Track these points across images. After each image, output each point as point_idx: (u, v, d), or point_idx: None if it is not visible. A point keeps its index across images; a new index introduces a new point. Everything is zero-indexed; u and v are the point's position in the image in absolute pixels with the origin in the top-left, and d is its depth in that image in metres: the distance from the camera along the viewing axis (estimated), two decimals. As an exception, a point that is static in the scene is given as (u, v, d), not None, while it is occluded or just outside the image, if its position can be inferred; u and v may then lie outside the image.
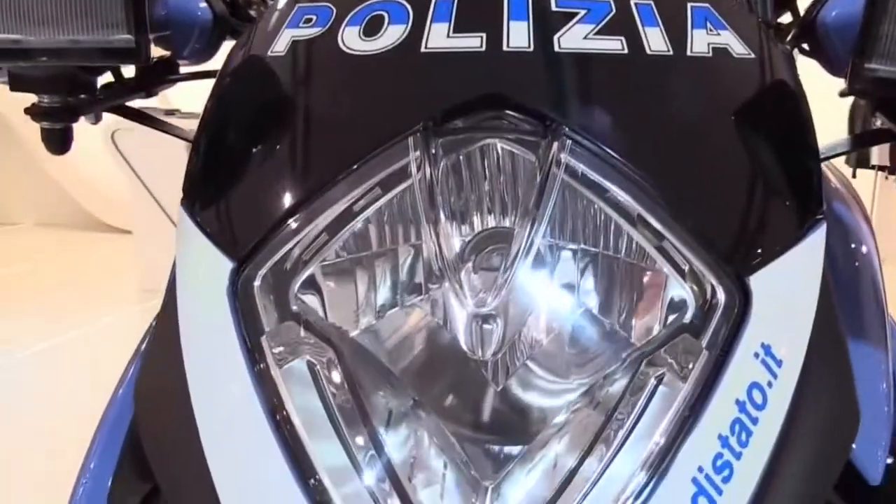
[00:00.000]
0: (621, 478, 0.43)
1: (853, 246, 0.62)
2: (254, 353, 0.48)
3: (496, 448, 0.46)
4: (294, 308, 0.50)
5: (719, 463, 0.43)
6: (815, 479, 0.47)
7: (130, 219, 4.42)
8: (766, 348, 0.45)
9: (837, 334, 0.52)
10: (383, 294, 0.51)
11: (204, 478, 0.47)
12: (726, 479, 0.43)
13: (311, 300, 0.50)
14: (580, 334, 0.49)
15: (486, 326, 0.46)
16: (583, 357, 0.49)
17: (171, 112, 4.09)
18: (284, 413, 0.47)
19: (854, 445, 0.51)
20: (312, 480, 0.45)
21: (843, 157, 0.72)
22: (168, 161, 3.88)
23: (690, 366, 0.45)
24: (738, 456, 0.43)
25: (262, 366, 0.48)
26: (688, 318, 0.47)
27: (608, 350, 0.48)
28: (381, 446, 0.46)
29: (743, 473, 0.44)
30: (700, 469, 0.43)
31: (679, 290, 0.47)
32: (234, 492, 0.47)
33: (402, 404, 0.48)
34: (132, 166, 4.04)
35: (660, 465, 0.43)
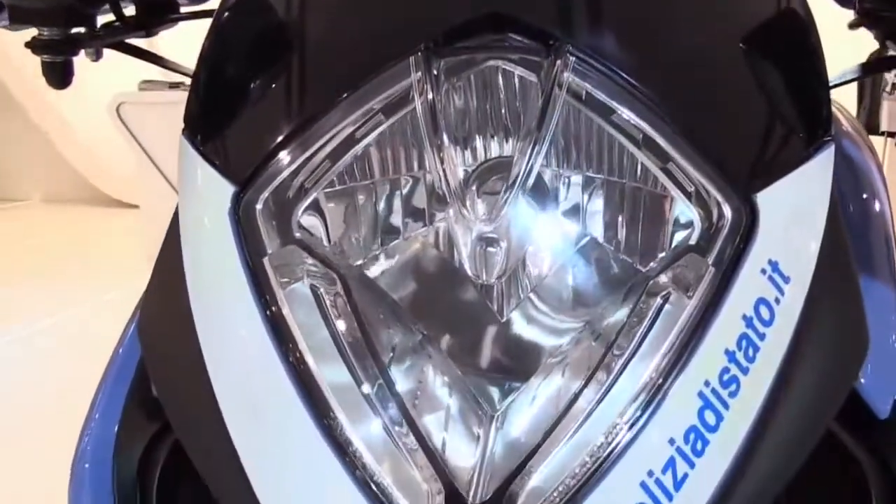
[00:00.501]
0: (626, 394, 0.43)
1: (862, 185, 0.62)
2: (256, 275, 0.48)
3: (500, 381, 0.46)
4: (297, 235, 0.49)
5: (726, 377, 0.43)
6: (824, 396, 0.47)
7: (137, 193, 4.42)
8: (774, 265, 0.45)
9: (846, 257, 0.51)
10: (386, 224, 0.50)
11: (212, 407, 0.47)
12: (733, 394, 0.43)
13: (313, 228, 0.50)
14: (585, 264, 0.49)
15: (489, 249, 0.46)
16: (587, 288, 0.49)
17: (175, 85, 4.08)
18: (290, 334, 0.46)
19: (863, 380, 0.51)
20: (321, 404, 0.45)
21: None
22: (174, 134, 3.90)
23: (696, 283, 0.45)
24: (745, 371, 0.43)
25: (265, 287, 0.47)
26: (694, 239, 0.46)
27: (613, 279, 0.48)
28: (389, 377, 0.46)
29: (750, 389, 0.44)
30: (707, 383, 0.43)
31: (685, 212, 0.47)
32: (242, 418, 0.47)
33: (409, 339, 0.48)
34: (138, 140, 4.03)
35: (666, 379, 0.43)
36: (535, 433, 0.43)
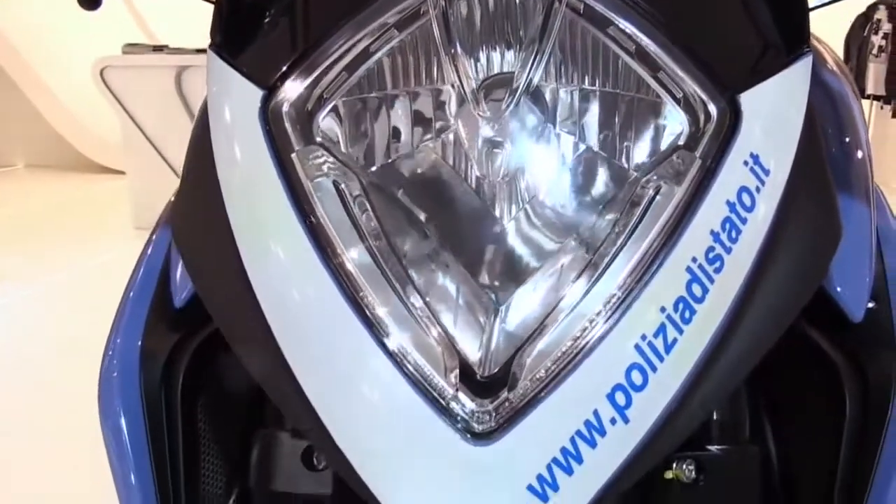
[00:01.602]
0: (622, 269, 0.47)
1: (840, 111, 0.65)
2: (285, 168, 0.51)
3: (504, 279, 0.49)
4: (318, 139, 0.52)
5: (712, 255, 0.47)
6: (801, 277, 0.51)
7: (123, 159, 4.39)
8: (755, 157, 0.49)
9: (821, 158, 0.55)
10: (398, 134, 0.53)
11: (248, 291, 0.50)
12: (718, 270, 0.47)
13: (332, 135, 0.53)
14: (582, 172, 0.52)
15: (495, 150, 0.49)
16: (584, 195, 0.51)
17: (159, 48, 4.04)
18: (318, 222, 0.50)
19: (839, 288, 0.54)
20: (351, 283, 0.48)
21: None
22: (158, 97, 3.86)
23: (685, 173, 0.49)
24: (728, 251, 0.47)
25: (293, 179, 0.51)
26: (683, 140, 0.50)
27: (609, 188, 0.51)
28: (407, 269, 0.49)
29: (733, 267, 0.47)
30: (694, 259, 0.47)
31: (675, 116, 0.50)
32: (277, 300, 0.50)
33: (420, 240, 0.51)
34: (122, 103, 3.99)
35: (657, 255, 0.47)
36: (536, 317, 0.47)
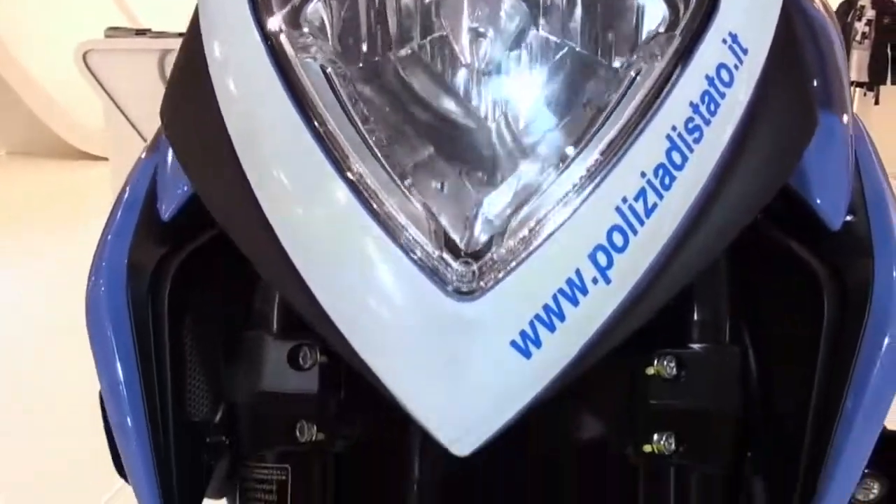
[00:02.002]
0: (603, 138, 0.47)
1: (822, 41, 0.65)
2: (273, 49, 0.50)
3: (489, 174, 0.49)
4: (305, 30, 0.52)
5: (691, 126, 0.48)
6: (778, 154, 0.52)
7: (106, 145, 4.35)
8: (734, 36, 0.50)
9: (799, 46, 0.56)
10: (385, 31, 0.52)
11: (236, 170, 0.50)
12: (697, 141, 0.48)
13: (320, 26, 0.52)
14: (566, 71, 0.52)
15: (480, 39, 0.49)
16: (568, 93, 0.52)
17: (142, 32, 4.00)
18: (306, 97, 0.49)
19: (818, 200, 0.55)
20: (339, 154, 0.48)
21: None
22: (141, 81, 3.82)
23: (664, 50, 0.49)
24: (707, 122, 0.48)
25: (281, 58, 0.50)
26: (663, 28, 0.50)
27: (593, 84, 0.51)
28: (396, 151, 0.49)
29: (712, 138, 0.48)
30: (674, 128, 0.47)
31: (657, 8, 0.50)
32: (264, 173, 0.50)
33: (402, 133, 0.50)
34: (105, 88, 3.95)
35: (638, 123, 0.47)
36: (519, 199, 0.48)
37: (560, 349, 0.46)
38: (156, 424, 0.57)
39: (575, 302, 0.46)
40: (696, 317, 0.56)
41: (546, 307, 0.46)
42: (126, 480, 0.68)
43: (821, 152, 0.56)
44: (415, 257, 0.46)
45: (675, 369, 0.55)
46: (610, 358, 0.54)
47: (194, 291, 0.62)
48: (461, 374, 0.46)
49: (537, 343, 0.46)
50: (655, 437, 0.55)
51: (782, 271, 0.58)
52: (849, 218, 0.56)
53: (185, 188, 0.59)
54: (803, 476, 0.53)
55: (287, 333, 0.59)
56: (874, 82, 5.45)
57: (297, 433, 0.56)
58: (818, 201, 0.55)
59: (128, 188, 0.65)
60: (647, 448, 0.55)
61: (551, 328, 0.46)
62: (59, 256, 3.59)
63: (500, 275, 0.46)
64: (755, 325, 0.60)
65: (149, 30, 3.97)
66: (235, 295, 0.62)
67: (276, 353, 0.58)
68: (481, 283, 0.46)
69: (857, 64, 5.37)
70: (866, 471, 0.60)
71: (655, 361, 0.55)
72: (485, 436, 0.46)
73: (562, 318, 0.46)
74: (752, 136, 0.50)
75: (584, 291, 0.46)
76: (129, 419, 0.56)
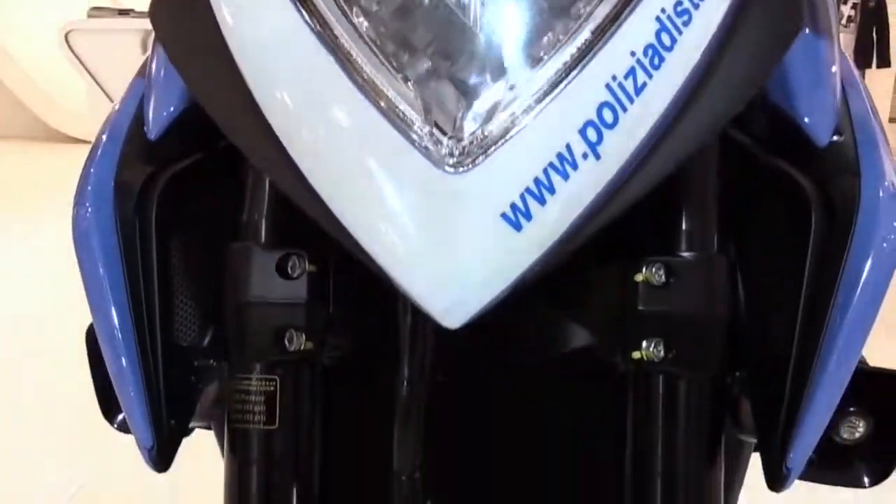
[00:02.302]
0: (593, 20, 0.48)
1: None
2: None
3: (479, 79, 0.49)
4: None
5: (680, 8, 0.48)
6: (766, 49, 0.52)
7: (90, 128, 4.30)
8: None
9: None
10: None
11: (228, 60, 0.50)
12: (686, 24, 0.48)
13: None
14: None
15: None
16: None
17: (125, 11, 3.95)
18: None
19: (806, 119, 0.56)
20: (341, 55, 0.48)
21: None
22: (125, 62, 3.77)
23: None
24: (696, 6, 0.48)
25: None
26: None
27: None
28: (387, 45, 0.49)
29: (701, 21, 0.49)
30: (663, 10, 0.48)
31: None
32: (256, 60, 0.50)
33: (394, 44, 0.50)
34: (88, 69, 3.90)
35: (625, 7, 0.48)
36: (511, 75, 0.48)
37: (551, 223, 0.47)
38: (144, 347, 0.57)
39: (565, 176, 0.46)
40: (684, 226, 0.56)
41: (537, 181, 0.46)
42: (112, 424, 0.71)
43: (808, 71, 0.57)
44: (407, 135, 0.46)
45: (663, 276, 0.55)
46: (598, 266, 0.57)
47: (180, 213, 0.61)
48: (452, 245, 0.46)
49: (528, 216, 0.46)
50: (644, 343, 0.55)
51: (770, 191, 0.59)
52: (835, 138, 0.56)
53: (172, 109, 0.59)
54: (790, 392, 0.54)
55: (275, 244, 0.58)
56: (860, 66, 5.47)
57: (286, 343, 0.56)
58: (806, 120, 0.55)
59: (115, 110, 0.64)
60: (636, 355, 0.55)
61: (542, 202, 0.46)
62: (41, 240, 3.56)
63: (491, 149, 0.47)
64: (743, 243, 0.60)
65: (132, 10, 3.93)
66: (222, 218, 0.62)
67: (264, 263, 0.57)
68: (472, 158, 0.46)
69: (842, 47, 5.39)
70: (851, 409, 0.62)
71: (644, 269, 0.55)
72: (476, 308, 0.46)
73: (552, 191, 0.46)
74: (742, 23, 0.50)
75: (575, 166, 0.46)
76: (119, 341, 0.56)
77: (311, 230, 0.56)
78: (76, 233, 0.57)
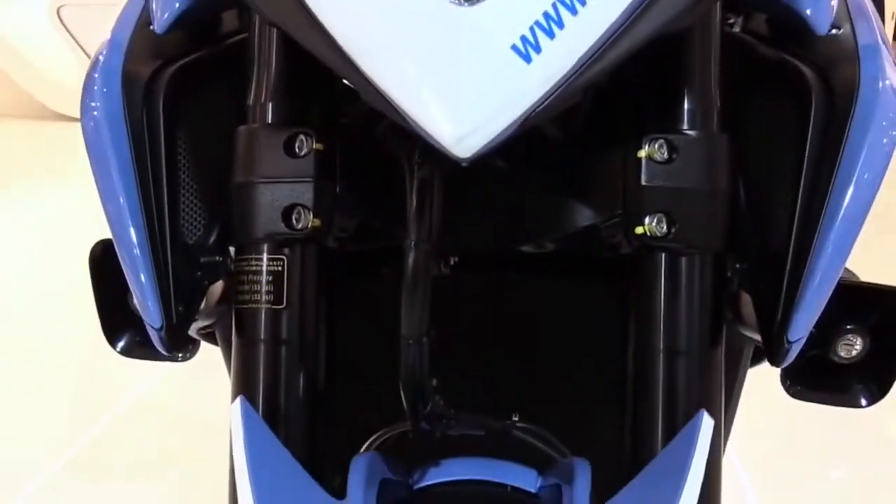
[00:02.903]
0: None
1: None
2: None
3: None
4: None
5: None
6: None
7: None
8: None
9: None
10: None
11: None
12: None
13: None
14: None
15: None
16: None
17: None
18: None
19: (808, 10, 0.56)
20: None
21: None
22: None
23: None
24: None
25: None
26: None
27: None
28: None
29: None
30: None
31: None
32: None
33: None
34: (80, 44, 3.85)
35: None
36: None
37: (560, 56, 0.48)
38: (153, 233, 0.58)
39: (574, 11, 0.48)
40: (686, 105, 0.57)
41: (546, 14, 0.48)
42: (114, 347, 0.75)
43: None
44: None
45: (666, 153, 0.56)
46: (602, 145, 0.59)
47: (186, 109, 0.62)
48: (464, 75, 0.47)
49: (537, 49, 0.48)
50: (647, 219, 0.56)
51: (771, 83, 0.60)
52: (834, 31, 0.58)
53: (178, 5, 0.60)
54: (790, 270, 0.55)
55: (282, 124, 0.59)
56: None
57: (294, 220, 0.57)
58: (808, 12, 0.56)
59: (124, 7, 0.65)
60: (639, 230, 0.56)
61: (550, 35, 0.48)
62: (32, 217, 3.54)
63: None
64: (744, 134, 0.60)
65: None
66: (228, 116, 0.62)
67: (272, 142, 0.58)
68: None
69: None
70: (848, 326, 0.65)
71: (646, 145, 0.56)
72: (486, 138, 0.47)
73: (560, 25, 0.48)
74: None
75: (583, 2, 0.48)
76: (129, 225, 0.57)
77: (319, 110, 0.59)
78: (85, 121, 0.58)
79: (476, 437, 0.61)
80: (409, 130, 0.49)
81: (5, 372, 2.24)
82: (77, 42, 3.89)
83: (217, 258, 0.62)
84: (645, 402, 0.58)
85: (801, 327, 0.55)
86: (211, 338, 0.75)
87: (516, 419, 0.62)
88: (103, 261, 0.72)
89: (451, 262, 0.70)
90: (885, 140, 0.52)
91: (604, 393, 0.65)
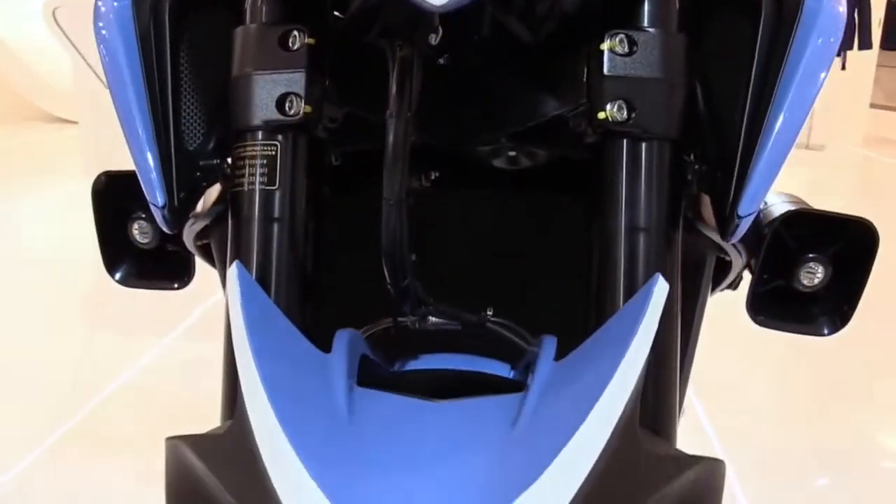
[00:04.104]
0: None
1: None
2: None
3: None
4: None
5: None
6: None
7: (76, 108, 4.26)
8: None
9: None
10: None
11: None
12: None
13: None
14: None
15: None
16: None
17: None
18: None
19: None
20: None
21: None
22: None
23: None
24: None
25: None
26: None
27: None
28: None
29: None
30: None
31: None
32: None
33: None
34: (75, 45, 3.85)
35: None
36: None
37: None
38: (158, 129, 0.62)
39: None
40: (647, 5, 0.60)
41: None
42: (113, 277, 0.80)
43: None
44: None
45: (626, 46, 0.59)
46: (569, 41, 0.62)
47: (189, 24, 0.65)
48: None
49: None
50: (609, 105, 0.59)
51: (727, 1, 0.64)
52: None
53: None
54: (741, 157, 0.58)
55: (276, 21, 0.63)
56: (841, 48, 5.47)
57: (287, 107, 0.61)
58: None
59: None
60: (601, 115, 0.59)
61: None
62: (21, 219, 3.56)
63: None
64: (705, 43, 0.64)
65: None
66: (227, 33, 0.65)
67: (267, 37, 0.62)
68: None
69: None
70: (811, 255, 0.69)
71: (608, 39, 0.59)
72: None
73: None
74: None
75: None
76: (136, 114, 0.60)
77: (310, 8, 0.62)
78: (97, 23, 0.61)
79: (453, 332, 0.63)
80: (390, 22, 0.55)
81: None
82: (71, 42, 3.87)
83: (214, 162, 0.66)
84: (607, 275, 0.61)
85: (750, 203, 0.58)
86: (207, 254, 0.79)
87: (490, 313, 0.64)
88: (105, 192, 0.77)
89: (432, 177, 0.74)
90: (831, 39, 0.56)
91: (572, 292, 0.67)
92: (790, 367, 2.37)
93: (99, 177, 0.77)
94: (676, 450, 0.53)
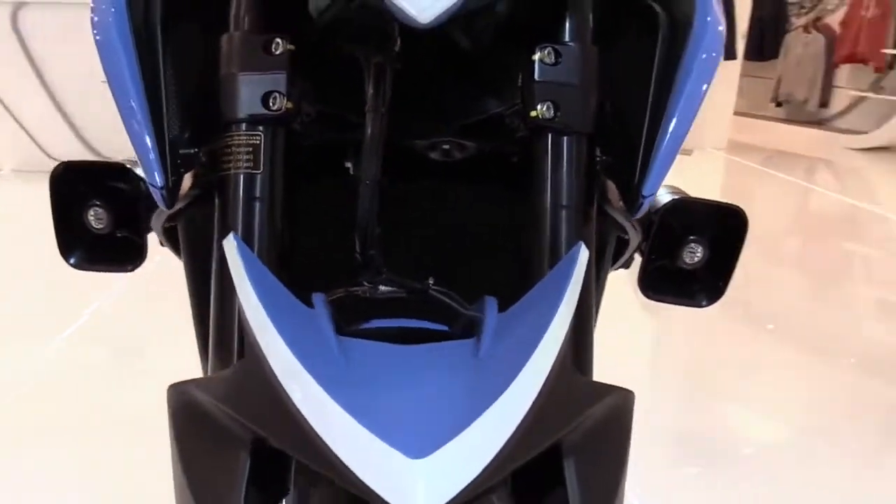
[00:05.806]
0: None
1: None
2: None
3: None
4: None
5: None
6: None
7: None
8: None
9: None
10: None
11: None
12: None
13: None
14: None
15: None
16: None
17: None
18: None
19: None
20: None
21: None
22: (70, 39, 3.43)
23: None
24: None
25: None
26: None
27: None
28: None
29: None
30: None
31: None
32: None
33: None
34: (27, 46, 3.82)
35: None
36: None
37: None
38: (154, 107, 0.66)
39: None
40: (568, 24, 0.69)
41: None
42: (67, 261, 0.81)
43: None
44: None
45: (553, 57, 0.67)
46: (507, 51, 0.71)
47: (173, 28, 0.70)
48: None
49: None
50: (539, 105, 0.67)
51: (631, 16, 0.73)
52: None
53: None
54: (644, 147, 0.67)
55: (260, 30, 0.68)
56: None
57: (270, 103, 0.67)
58: None
59: None
60: (533, 114, 0.67)
61: None
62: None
63: None
64: (613, 56, 0.72)
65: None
66: (208, 34, 0.71)
67: (252, 44, 0.68)
68: None
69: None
70: (691, 238, 0.79)
71: (539, 51, 0.67)
72: (442, 8, 0.56)
73: None
74: None
75: None
76: (134, 100, 0.64)
77: (291, 18, 0.68)
78: (95, 29, 0.65)
79: (400, 300, 0.69)
80: (369, 23, 0.63)
81: None
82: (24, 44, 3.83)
83: (192, 151, 0.70)
84: (536, 245, 0.69)
85: (653, 184, 0.66)
86: (172, 240, 0.83)
87: (432, 282, 0.69)
88: (62, 180, 0.78)
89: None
90: (713, 54, 0.64)
91: (506, 269, 0.75)
92: (658, 366, 2.57)
93: (57, 166, 0.78)
94: (596, 381, 0.61)
